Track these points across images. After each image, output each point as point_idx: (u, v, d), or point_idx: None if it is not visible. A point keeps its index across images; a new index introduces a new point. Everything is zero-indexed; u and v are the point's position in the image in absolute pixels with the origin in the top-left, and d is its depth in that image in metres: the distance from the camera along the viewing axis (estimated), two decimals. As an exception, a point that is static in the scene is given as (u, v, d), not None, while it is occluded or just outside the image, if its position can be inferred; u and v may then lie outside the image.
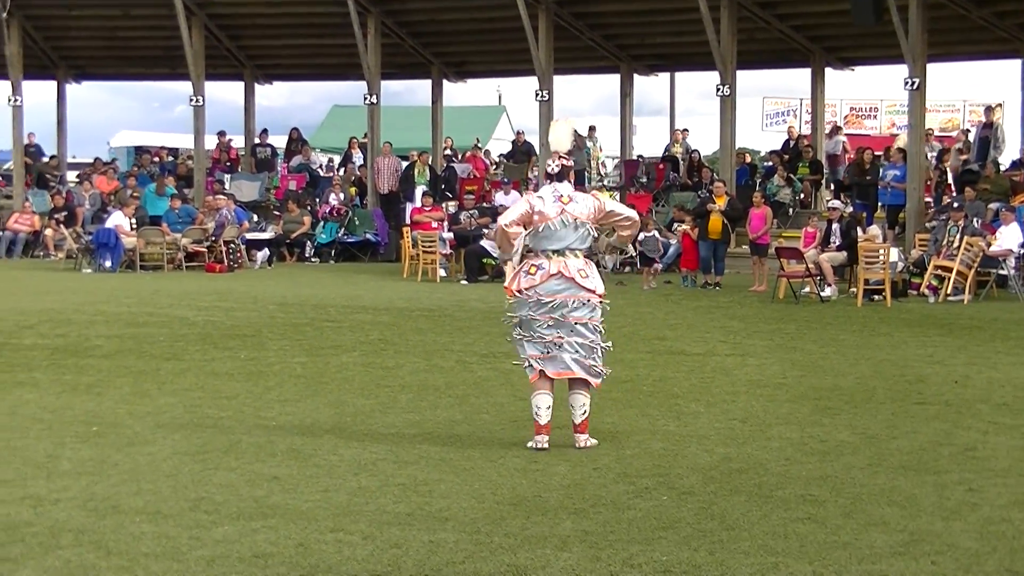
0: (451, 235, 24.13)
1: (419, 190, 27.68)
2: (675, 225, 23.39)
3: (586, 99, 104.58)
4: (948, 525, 6.25)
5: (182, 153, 36.21)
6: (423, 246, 23.11)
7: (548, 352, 8.08)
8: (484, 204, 26.43)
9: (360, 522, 6.29)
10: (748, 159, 29.66)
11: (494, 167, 33.33)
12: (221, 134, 32.69)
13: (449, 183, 28.82)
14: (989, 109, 27.06)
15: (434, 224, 25.09)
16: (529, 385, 8.23)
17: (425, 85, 32.43)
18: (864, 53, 28.83)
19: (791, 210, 26.22)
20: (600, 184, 33.69)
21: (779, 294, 19.03)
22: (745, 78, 28.00)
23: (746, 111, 56.59)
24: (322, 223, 27.87)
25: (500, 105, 51.92)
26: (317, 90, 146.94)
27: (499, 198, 26.21)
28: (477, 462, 7.65)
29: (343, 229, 27.82)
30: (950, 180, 24.46)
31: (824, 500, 6.74)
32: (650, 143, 34.23)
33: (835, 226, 19.65)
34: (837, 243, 19.48)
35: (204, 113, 29.65)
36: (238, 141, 33.47)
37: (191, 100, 29.54)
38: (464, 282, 22.02)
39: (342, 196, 28.56)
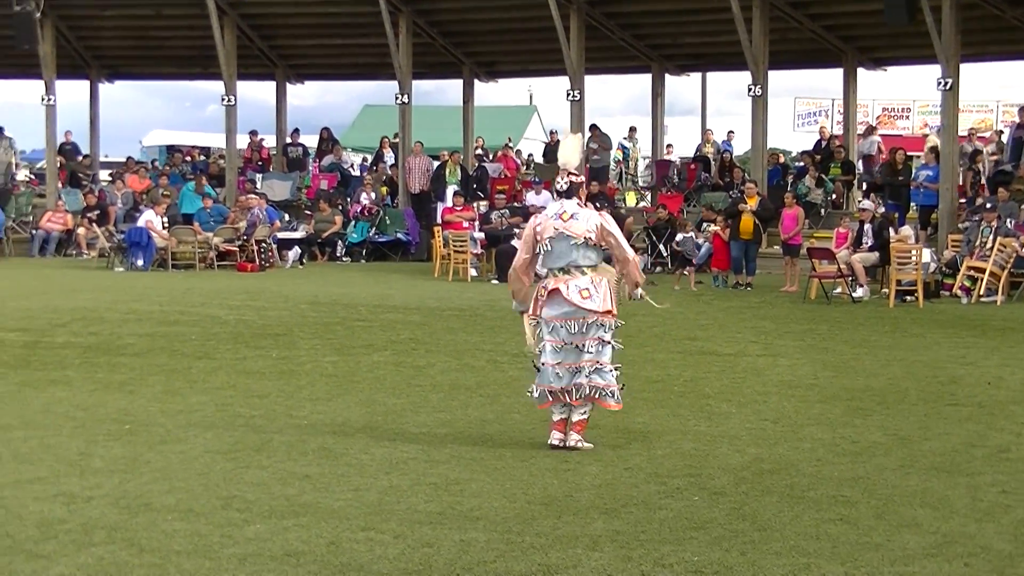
0: (482, 235, 24.14)
1: (450, 190, 27.72)
2: (704, 225, 23.35)
3: (617, 99, 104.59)
4: (981, 527, 6.22)
5: (214, 152, 36.39)
6: (454, 246, 23.13)
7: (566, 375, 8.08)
8: (515, 204, 26.43)
9: (391, 521, 6.30)
10: (780, 159, 29.60)
11: (525, 167, 33.36)
12: (253, 133, 32.81)
13: (480, 183, 28.83)
14: (1022, 110, 26.84)
15: (465, 224, 25.12)
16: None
17: (456, 85, 32.46)
18: (897, 53, 28.64)
19: (823, 211, 26.11)
20: (631, 186, 33.79)
21: (811, 295, 18.97)
22: (777, 78, 28.03)
23: (778, 111, 56.35)
24: (353, 222, 27.90)
25: (531, 105, 51.89)
26: (349, 90, 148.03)
27: (530, 198, 26.19)
28: (508, 461, 7.66)
29: (374, 228, 27.84)
30: (983, 180, 24.29)
31: (856, 501, 6.71)
32: (681, 143, 34.08)
33: (867, 227, 19.60)
34: (869, 244, 19.43)
35: (236, 112, 29.70)
36: (270, 140, 33.54)
37: (223, 99, 29.60)
38: (495, 282, 21.99)
39: (373, 195, 28.58)
